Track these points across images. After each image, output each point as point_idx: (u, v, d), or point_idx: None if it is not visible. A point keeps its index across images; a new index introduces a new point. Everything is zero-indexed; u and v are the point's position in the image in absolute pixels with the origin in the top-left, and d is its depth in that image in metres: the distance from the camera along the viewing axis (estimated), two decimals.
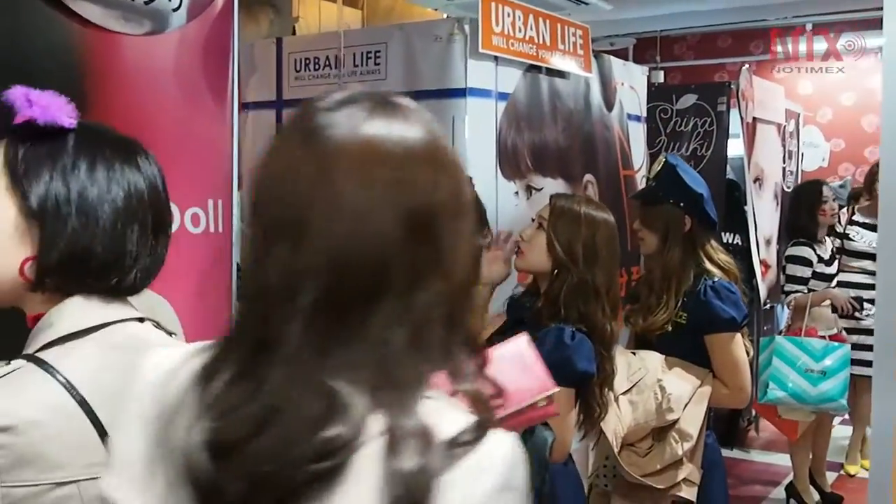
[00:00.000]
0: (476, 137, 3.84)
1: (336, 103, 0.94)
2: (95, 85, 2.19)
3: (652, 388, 2.78)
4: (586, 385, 2.35)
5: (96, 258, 1.25)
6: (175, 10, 2.36)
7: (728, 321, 2.84)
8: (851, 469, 5.83)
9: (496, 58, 3.97)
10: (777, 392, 4.66)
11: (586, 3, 5.69)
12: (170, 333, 1.40)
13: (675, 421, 2.77)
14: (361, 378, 0.87)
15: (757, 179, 5.96)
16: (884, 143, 2.48)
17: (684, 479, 2.78)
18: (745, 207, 5.78)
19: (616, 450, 2.74)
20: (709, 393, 2.84)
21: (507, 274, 2.72)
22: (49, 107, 1.24)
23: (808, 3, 6.95)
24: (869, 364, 4.53)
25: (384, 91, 0.98)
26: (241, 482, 0.85)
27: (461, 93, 3.86)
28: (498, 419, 0.92)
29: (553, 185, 4.18)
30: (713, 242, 3.02)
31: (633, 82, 5.26)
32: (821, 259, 5.23)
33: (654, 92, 5.99)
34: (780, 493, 5.43)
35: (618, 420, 2.73)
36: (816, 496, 5.30)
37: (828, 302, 5.12)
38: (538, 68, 4.25)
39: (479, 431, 0.88)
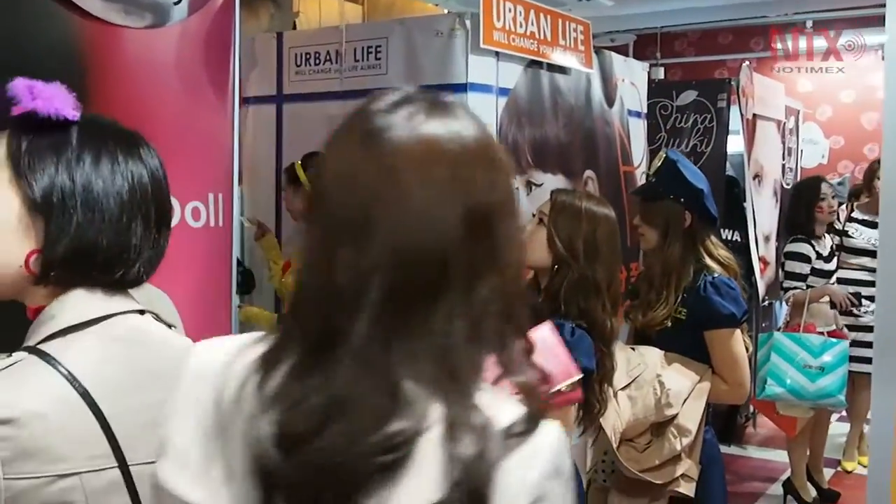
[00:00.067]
0: None
1: (392, 105, 0.97)
2: (96, 78, 2.18)
3: (651, 383, 2.78)
4: (586, 381, 2.35)
5: (101, 252, 1.25)
6: (176, 3, 2.36)
7: (728, 317, 2.84)
8: (849, 465, 5.85)
9: (497, 53, 3.97)
10: (775, 388, 4.66)
11: None
12: (169, 326, 1.40)
13: (674, 416, 2.77)
14: (424, 371, 0.91)
15: (756, 176, 5.97)
16: (886, 141, 2.48)
17: (683, 475, 2.78)
18: (745, 204, 5.78)
19: (615, 445, 2.74)
20: (708, 388, 2.84)
21: None
22: (52, 99, 1.24)
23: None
24: (867, 361, 4.54)
25: (431, 91, 1.01)
26: (308, 473, 0.89)
27: (462, 88, 3.86)
28: (547, 409, 0.97)
29: (553, 181, 4.18)
30: (713, 238, 3.01)
31: (633, 78, 5.26)
32: (819, 256, 5.23)
33: (655, 88, 5.99)
34: (777, 489, 5.44)
35: (616, 415, 2.73)
36: (814, 492, 5.31)
37: (826, 298, 5.12)
38: (539, 64, 4.25)
39: (532, 423, 0.93)
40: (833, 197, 5.36)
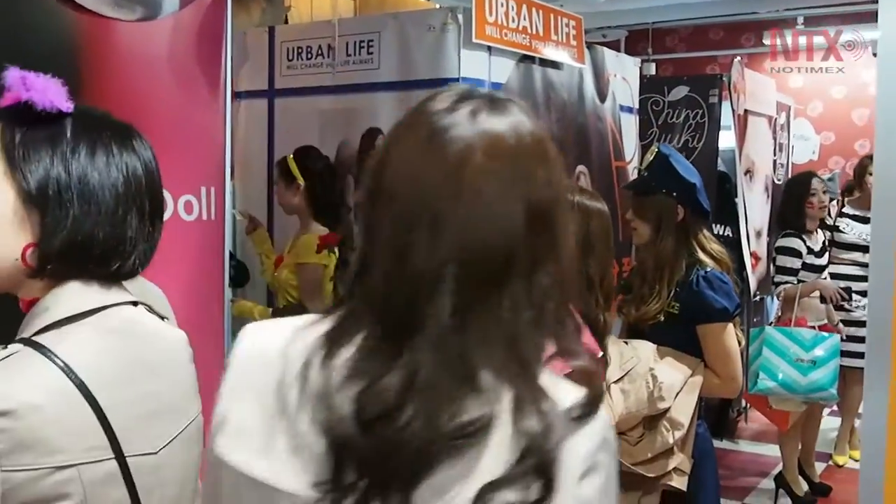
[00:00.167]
0: None
1: (452, 103, 1.02)
2: (88, 70, 2.18)
3: (644, 376, 2.79)
4: None
5: (98, 244, 1.24)
6: None
7: (720, 311, 2.85)
8: (840, 460, 5.87)
9: (489, 48, 3.96)
10: (767, 382, 4.68)
11: None
12: (162, 318, 1.39)
13: (667, 410, 2.78)
14: (494, 356, 0.97)
15: (748, 172, 5.98)
16: (878, 137, 2.49)
17: (675, 468, 2.78)
18: (736, 199, 5.79)
19: None
20: (700, 382, 2.85)
21: None
22: (46, 90, 1.23)
23: None
24: (859, 356, 4.57)
25: (483, 88, 1.08)
26: (384, 450, 0.94)
27: (454, 82, 3.85)
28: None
29: None
30: (705, 232, 3.02)
31: (625, 74, 5.26)
32: (811, 250, 5.25)
33: (646, 84, 5.99)
34: (769, 483, 5.45)
35: (609, 409, 2.74)
36: (805, 486, 5.32)
37: (817, 293, 5.13)
38: (531, 59, 4.24)
39: (593, 406, 1.00)
40: (824, 192, 5.37)
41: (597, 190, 4.03)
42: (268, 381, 1.02)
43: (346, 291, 1.06)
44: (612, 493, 1.03)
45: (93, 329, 1.23)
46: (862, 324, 4.57)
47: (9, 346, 1.19)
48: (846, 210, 5.75)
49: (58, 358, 1.16)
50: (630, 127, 5.31)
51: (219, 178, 2.56)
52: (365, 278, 1.03)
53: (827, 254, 5.42)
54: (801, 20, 7.80)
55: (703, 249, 2.95)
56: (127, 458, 1.20)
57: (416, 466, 0.94)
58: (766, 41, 7.91)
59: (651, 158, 3.07)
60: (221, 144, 2.60)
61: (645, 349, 2.87)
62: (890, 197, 2.48)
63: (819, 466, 5.62)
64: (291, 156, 4.02)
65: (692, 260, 2.93)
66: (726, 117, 5.88)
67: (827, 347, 4.69)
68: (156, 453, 1.26)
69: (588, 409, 1.00)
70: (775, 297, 5.54)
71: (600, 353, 2.00)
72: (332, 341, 1.00)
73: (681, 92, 6.07)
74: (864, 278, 4.94)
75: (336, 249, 3.96)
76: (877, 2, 2.52)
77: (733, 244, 5.53)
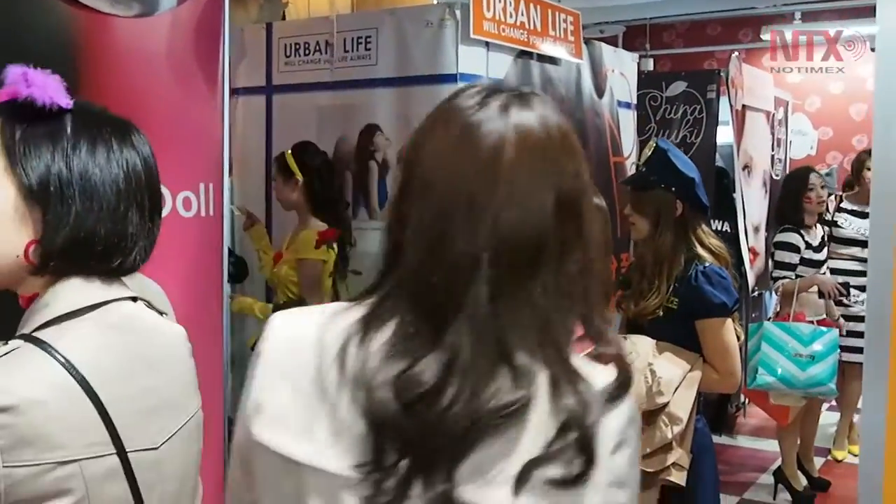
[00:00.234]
0: None
1: (482, 98, 1.07)
2: (86, 66, 2.17)
3: (642, 371, 2.79)
4: None
5: (100, 241, 1.24)
6: None
7: (719, 306, 2.85)
8: (839, 454, 5.88)
9: (487, 43, 3.96)
10: (766, 377, 4.68)
11: None
12: (161, 313, 1.39)
13: (665, 405, 2.78)
14: (528, 338, 1.02)
15: (746, 167, 5.98)
16: (876, 133, 2.49)
17: (674, 464, 2.79)
18: (734, 195, 5.79)
19: None
20: (699, 377, 2.85)
21: None
22: (46, 86, 1.23)
23: None
24: (857, 350, 4.58)
25: (508, 84, 1.14)
26: (425, 430, 0.98)
27: (452, 78, 3.85)
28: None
29: None
30: (704, 227, 3.01)
31: (623, 69, 5.26)
32: (809, 245, 5.25)
33: (644, 79, 5.99)
34: (768, 478, 5.46)
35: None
36: (804, 481, 5.33)
37: (815, 287, 5.14)
38: (529, 54, 4.24)
39: (624, 388, 1.06)
40: (822, 187, 5.37)
41: (594, 185, 4.03)
42: (304, 367, 1.06)
43: (377, 278, 1.10)
44: (637, 464, 1.12)
45: (93, 325, 1.23)
46: (860, 319, 4.58)
47: (9, 342, 1.19)
48: (844, 205, 5.75)
49: (59, 354, 1.16)
50: (628, 122, 5.30)
51: (217, 174, 2.56)
52: (398, 265, 1.06)
53: (826, 249, 5.42)
54: (798, 15, 7.80)
55: (702, 244, 2.95)
56: (128, 454, 1.20)
57: (459, 446, 0.98)
58: (764, 36, 7.92)
59: (649, 153, 3.07)
60: (219, 141, 2.59)
61: (644, 344, 2.87)
62: (888, 192, 2.48)
63: (818, 461, 5.63)
64: (289, 151, 4.02)
65: (691, 255, 2.93)
66: (724, 113, 5.88)
67: (825, 342, 4.70)
68: (156, 449, 1.27)
69: (620, 390, 1.05)
70: (774, 292, 5.55)
71: None
72: (368, 326, 1.04)
73: (678, 87, 6.07)
74: (862, 273, 4.95)
75: (335, 245, 3.96)
76: None
77: (731, 239, 5.53)
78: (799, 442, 5.36)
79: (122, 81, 2.25)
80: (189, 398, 1.40)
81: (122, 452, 1.19)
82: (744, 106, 5.97)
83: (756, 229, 6.15)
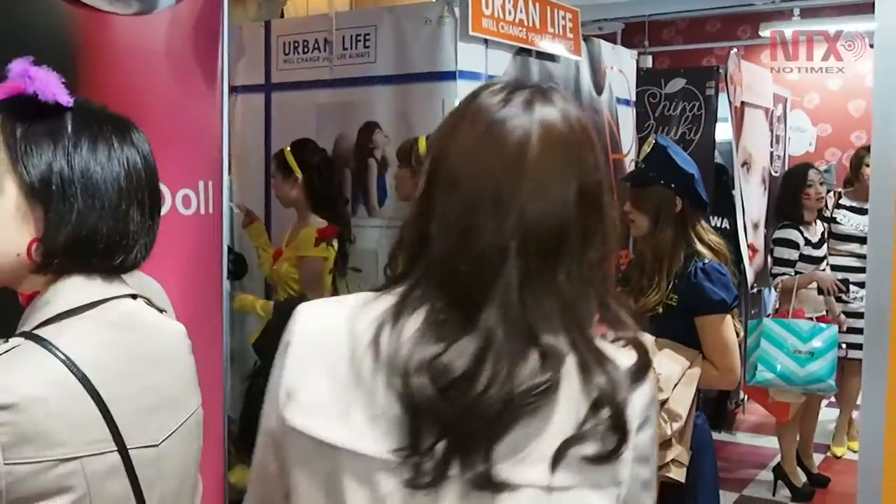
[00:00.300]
0: None
1: (505, 95, 1.12)
2: (85, 64, 2.17)
3: None
4: None
5: (102, 239, 1.24)
6: None
7: (718, 303, 2.85)
8: (838, 451, 5.88)
9: (486, 41, 3.96)
10: (766, 374, 4.69)
11: None
12: (161, 311, 1.39)
13: (665, 401, 2.78)
14: (553, 321, 1.07)
15: (745, 163, 5.98)
16: (875, 129, 2.49)
17: (673, 460, 2.79)
18: (733, 192, 5.79)
19: None
20: (698, 374, 2.85)
21: None
22: (49, 83, 1.23)
23: None
24: (857, 347, 4.58)
25: (529, 80, 1.20)
26: (461, 412, 1.02)
27: (451, 76, 3.86)
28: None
29: None
30: (703, 223, 3.01)
31: (622, 66, 5.26)
32: (808, 242, 5.25)
33: (643, 76, 5.99)
34: (767, 474, 5.47)
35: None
36: (804, 477, 5.34)
37: (814, 284, 5.14)
38: (528, 51, 4.24)
39: (645, 369, 1.11)
40: (821, 184, 5.38)
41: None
42: (338, 354, 1.09)
43: (403, 268, 1.15)
44: (656, 442, 1.18)
45: (93, 322, 1.23)
46: (859, 315, 4.59)
47: (10, 339, 1.19)
48: (843, 202, 5.75)
49: (59, 351, 1.16)
50: (627, 119, 5.30)
51: (216, 172, 2.56)
52: (425, 256, 1.11)
53: (825, 245, 5.43)
54: (797, 12, 7.79)
55: (702, 241, 2.95)
56: (129, 451, 1.21)
57: (495, 427, 1.02)
58: (763, 33, 7.91)
59: (649, 150, 3.07)
60: (219, 138, 2.59)
61: None
62: (887, 188, 2.48)
63: (817, 458, 5.63)
64: (288, 148, 4.02)
65: (690, 251, 2.92)
66: (723, 109, 5.88)
67: (824, 339, 4.70)
68: (157, 446, 1.27)
69: (641, 371, 1.11)
70: (773, 289, 5.55)
71: None
72: (399, 313, 1.08)
73: (677, 84, 6.07)
74: (861, 269, 4.95)
75: (334, 242, 3.96)
76: None
77: (730, 236, 5.54)
78: (798, 438, 5.37)
79: (121, 79, 2.25)
80: (189, 395, 1.40)
81: (122, 449, 1.20)
82: (742, 102, 5.97)
83: (755, 226, 6.15)
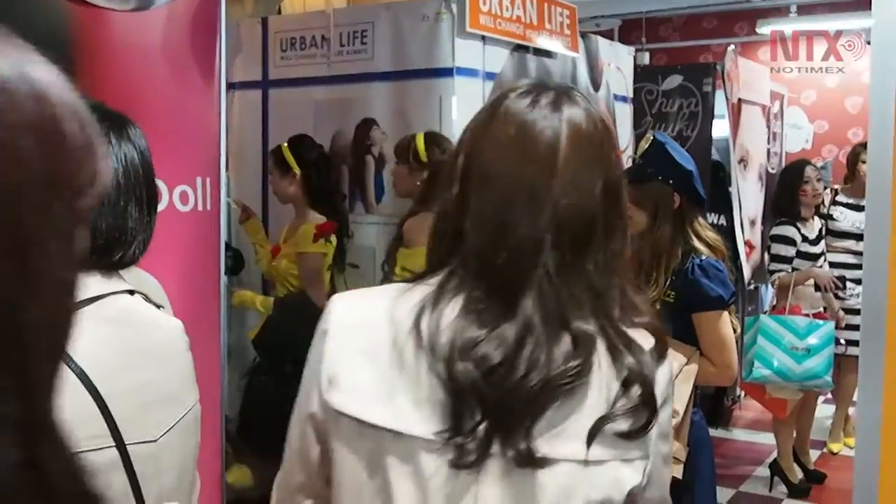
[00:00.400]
0: (463, 117, 3.82)
1: (533, 97, 1.19)
2: (83, 60, 2.17)
3: None
4: None
5: (101, 235, 1.24)
6: None
7: (716, 299, 2.84)
8: (834, 447, 5.89)
9: (483, 37, 3.96)
10: (763, 370, 4.69)
11: None
12: (158, 307, 1.39)
13: None
14: (584, 308, 1.15)
15: (742, 160, 5.98)
16: (872, 126, 2.49)
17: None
18: (730, 188, 5.79)
19: None
20: (696, 371, 2.85)
21: None
22: None
23: None
24: (853, 343, 4.58)
25: (550, 82, 1.26)
26: (503, 393, 1.09)
27: (448, 72, 3.86)
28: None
29: None
30: (701, 220, 3.01)
31: (619, 63, 5.26)
32: (805, 238, 5.25)
33: (640, 73, 5.99)
34: (764, 471, 5.47)
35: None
36: (800, 474, 5.34)
37: (812, 281, 5.14)
38: (525, 48, 4.24)
39: (664, 351, 1.21)
40: (818, 180, 5.38)
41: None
42: (379, 340, 1.15)
43: (438, 259, 1.22)
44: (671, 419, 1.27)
45: (91, 318, 1.22)
46: (856, 312, 4.59)
47: None
48: (839, 198, 5.75)
49: None
50: (624, 116, 5.31)
51: (214, 168, 2.55)
52: (461, 247, 1.18)
53: (823, 242, 5.43)
54: (794, 9, 7.80)
55: (699, 237, 2.95)
56: (127, 447, 1.21)
57: (535, 407, 1.10)
58: (760, 30, 7.92)
59: (646, 146, 3.07)
60: (216, 135, 2.59)
61: None
62: (883, 184, 2.48)
63: (814, 454, 5.64)
64: (286, 145, 4.02)
65: (688, 248, 2.92)
66: (720, 106, 5.89)
67: (821, 335, 4.71)
68: (155, 441, 1.27)
69: (662, 352, 1.20)
70: (770, 286, 5.55)
71: None
72: (437, 301, 1.15)
73: (675, 81, 6.07)
74: (857, 266, 4.95)
75: (332, 238, 3.96)
76: None
77: (727, 233, 5.54)
78: (795, 434, 5.37)
79: (119, 75, 2.25)
80: (187, 392, 1.40)
81: (120, 445, 1.20)
82: (740, 99, 5.98)
83: (752, 223, 6.15)
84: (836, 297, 5.27)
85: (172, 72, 2.41)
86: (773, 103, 6.99)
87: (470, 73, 3.92)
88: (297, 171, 3.96)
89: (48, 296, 0.62)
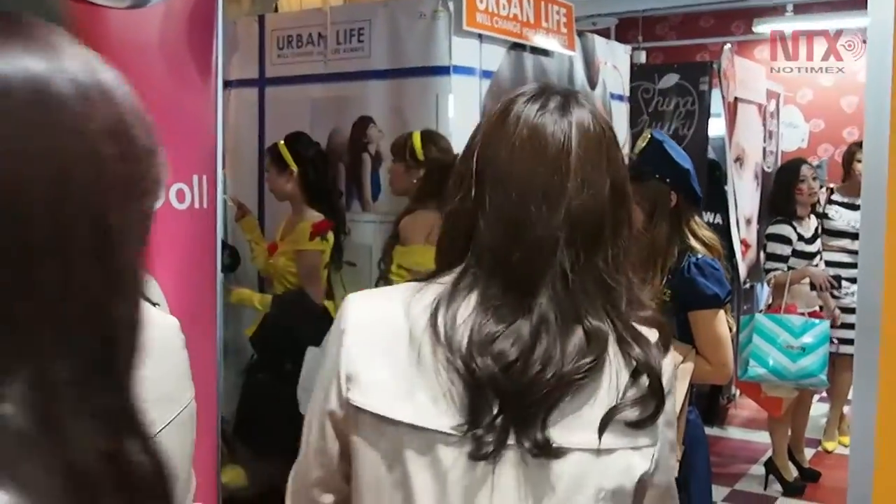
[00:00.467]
0: (460, 115, 3.83)
1: (542, 102, 1.24)
2: None
3: None
4: None
5: None
6: None
7: (712, 298, 2.85)
8: (829, 445, 5.90)
9: (480, 35, 3.96)
10: (758, 369, 4.70)
11: None
12: (154, 304, 1.39)
13: None
14: (596, 303, 1.19)
15: (738, 159, 5.99)
16: (868, 125, 2.50)
17: None
18: (726, 187, 5.80)
19: None
20: (691, 369, 2.85)
21: None
22: None
23: None
24: (848, 342, 4.59)
25: (555, 85, 1.32)
26: (520, 385, 1.14)
27: (445, 70, 3.86)
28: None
29: None
30: (697, 219, 3.01)
31: (616, 61, 5.27)
32: (801, 237, 5.26)
33: (637, 71, 5.99)
34: (759, 469, 5.48)
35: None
36: (795, 472, 5.35)
37: (807, 279, 5.15)
38: (522, 46, 4.24)
39: (668, 342, 1.27)
40: (814, 179, 5.38)
41: None
42: (396, 337, 1.20)
43: (450, 258, 1.26)
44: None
45: None
46: (851, 310, 4.59)
47: None
48: (835, 197, 5.76)
49: None
50: (620, 115, 5.31)
51: (211, 166, 2.55)
52: (475, 246, 1.22)
53: (818, 240, 5.44)
54: (790, 8, 7.80)
55: (695, 236, 2.95)
56: None
57: (550, 400, 1.15)
58: (756, 29, 7.91)
59: (644, 145, 3.07)
60: (213, 133, 2.59)
61: None
62: (879, 183, 2.49)
63: (808, 452, 5.65)
64: (282, 142, 4.02)
65: (684, 247, 2.92)
66: (716, 105, 5.89)
67: (816, 334, 4.71)
68: (150, 439, 1.27)
69: (666, 343, 1.26)
70: (766, 284, 5.56)
71: None
72: (452, 299, 1.19)
73: (671, 80, 6.08)
74: (852, 265, 4.95)
75: (328, 236, 3.96)
76: None
77: (723, 231, 5.54)
78: (790, 433, 5.39)
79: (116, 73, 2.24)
80: (182, 389, 1.39)
81: None
82: (736, 98, 5.98)
83: (748, 221, 6.16)
84: (832, 296, 5.28)
85: (169, 69, 2.40)
86: (770, 102, 7.00)
87: (467, 71, 3.92)
88: (294, 168, 3.96)
89: (129, 293, 0.67)
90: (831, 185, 6.03)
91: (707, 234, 2.99)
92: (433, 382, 1.16)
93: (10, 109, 0.60)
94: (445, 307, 1.18)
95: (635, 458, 1.20)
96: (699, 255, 2.90)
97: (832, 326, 4.92)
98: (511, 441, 1.15)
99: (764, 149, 6.74)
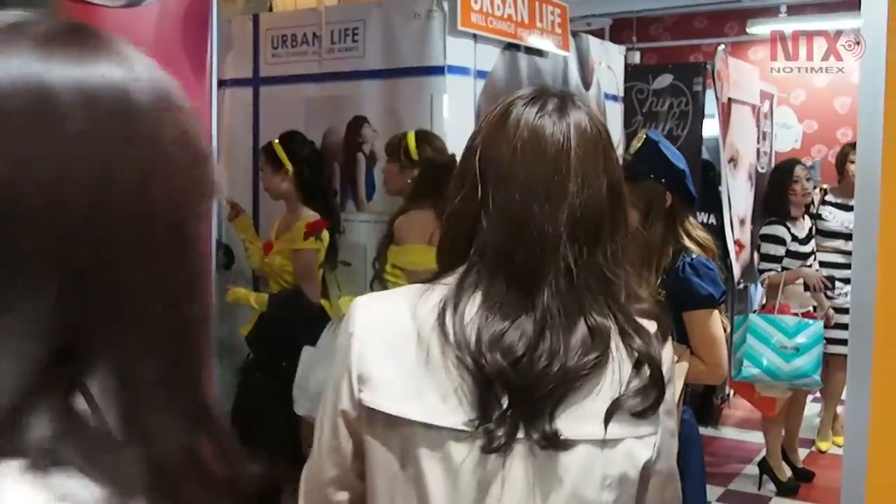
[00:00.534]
0: (455, 115, 3.83)
1: (540, 104, 1.29)
2: None
3: None
4: None
5: None
6: None
7: (706, 298, 2.85)
8: (823, 445, 5.91)
9: (475, 35, 3.96)
10: (752, 369, 4.70)
11: None
12: None
13: None
14: (598, 299, 1.24)
15: (732, 160, 6.00)
16: (861, 126, 2.50)
17: None
18: (720, 188, 5.81)
19: None
20: (686, 369, 2.85)
21: None
22: None
23: None
24: (841, 342, 4.60)
25: (549, 85, 1.37)
26: (528, 380, 1.18)
27: (440, 70, 3.86)
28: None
29: None
30: (691, 219, 3.02)
31: (610, 62, 5.27)
32: (795, 238, 5.27)
33: (631, 72, 6.00)
34: (753, 469, 5.49)
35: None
36: (789, 472, 5.36)
37: (801, 280, 5.16)
38: (516, 46, 4.25)
39: (666, 333, 1.32)
40: (807, 180, 5.39)
41: None
42: (404, 338, 1.23)
43: (452, 257, 1.30)
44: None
45: None
46: (845, 311, 4.61)
47: None
48: (828, 198, 5.77)
49: None
50: (615, 115, 5.32)
51: None
52: (478, 245, 1.26)
53: (812, 241, 5.45)
54: (784, 9, 7.82)
55: (689, 236, 2.95)
56: None
57: (556, 393, 1.19)
58: (750, 30, 7.93)
59: (639, 145, 3.07)
60: (207, 132, 2.58)
61: None
62: (872, 184, 2.49)
63: (802, 452, 5.66)
64: (277, 141, 4.01)
65: (678, 247, 2.92)
66: (710, 105, 5.90)
67: (810, 334, 4.72)
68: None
69: (664, 334, 1.31)
70: (759, 285, 5.57)
71: None
72: (458, 298, 1.23)
73: (665, 80, 6.08)
74: (846, 266, 4.97)
75: (323, 235, 3.95)
76: None
77: (717, 232, 5.55)
78: (783, 433, 5.39)
79: None
80: None
81: None
82: (730, 99, 5.99)
83: (742, 222, 6.17)
84: (826, 296, 5.29)
85: (163, 68, 2.40)
86: (763, 103, 7.01)
87: (461, 71, 3.93)
88: (289, 167, 3.95)
89: (202, 293, 0.70)
90: (825, 186, 6.04)
91: (701, 234, 2.99)
92: (442, 381, 1.20)
93: (97, 120, 0.62)
94: (453, 308, 1.22)
95: (639, 447, 1.24)
96: (694, 256, 2.90)
97: (826, 327, 4.93)
98: (520, 434, 1.18)
99: (758, 149, 6.76)
